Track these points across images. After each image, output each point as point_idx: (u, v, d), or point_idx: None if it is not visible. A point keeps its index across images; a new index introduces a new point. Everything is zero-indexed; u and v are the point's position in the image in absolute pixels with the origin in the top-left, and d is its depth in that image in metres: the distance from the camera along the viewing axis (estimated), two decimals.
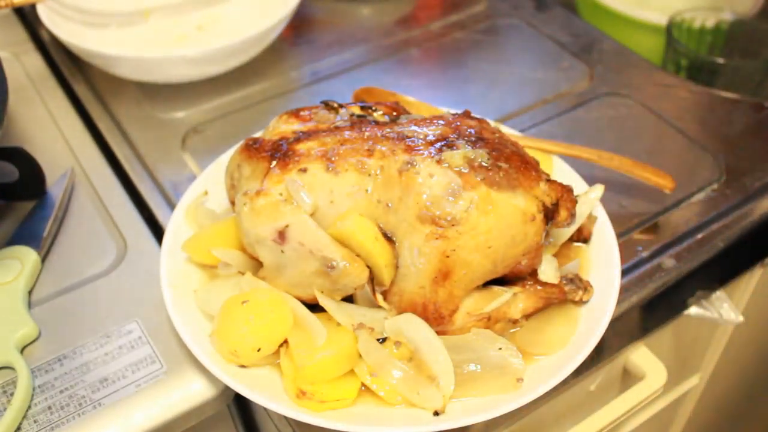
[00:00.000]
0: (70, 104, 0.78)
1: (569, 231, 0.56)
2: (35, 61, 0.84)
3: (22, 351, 0.53)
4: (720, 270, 0.68)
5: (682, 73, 0.86)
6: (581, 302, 0.53)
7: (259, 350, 0.48)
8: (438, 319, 0.50)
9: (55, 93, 0.79)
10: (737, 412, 1.13)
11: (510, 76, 0.84)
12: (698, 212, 0.66)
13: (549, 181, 0.51)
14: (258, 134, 0.59)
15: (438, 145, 0.50)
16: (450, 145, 0.50)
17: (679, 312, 0.66)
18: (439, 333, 0.50)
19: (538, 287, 0.53)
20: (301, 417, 0.46)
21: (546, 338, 0.52)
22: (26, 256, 0.58)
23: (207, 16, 0.90)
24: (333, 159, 0.50)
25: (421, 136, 0.51)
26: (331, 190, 0.50)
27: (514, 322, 0.52)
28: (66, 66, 0.83)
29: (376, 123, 0.54)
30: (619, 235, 0.63)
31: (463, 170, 0.48)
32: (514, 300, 0.52)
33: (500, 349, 0.49)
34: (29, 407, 0.50)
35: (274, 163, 0.51)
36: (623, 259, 0.61)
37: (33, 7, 0.83)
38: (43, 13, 0.79)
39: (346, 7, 0.96)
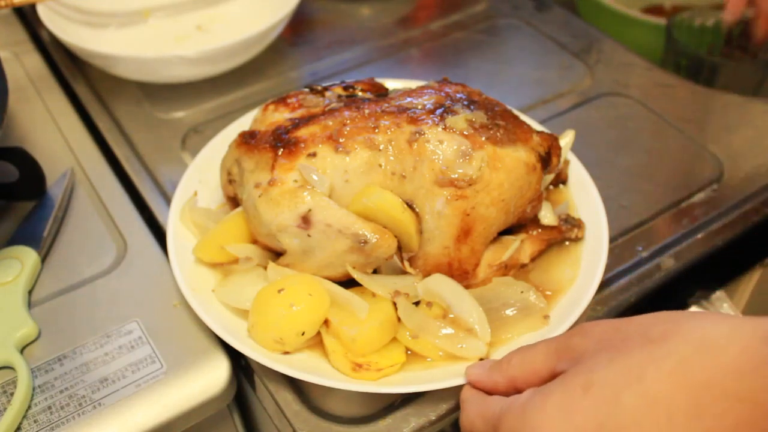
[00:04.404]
0: (70, 104, 0.78)
1: (551, 176, 0.59)
2: (35, 61, 0.84)
3: (22, 351, 0.53)
4: (720, 270, 0.68)
5: (682, 73, 0.86)
6: (578, 239, 0.58)
7: (303, 334, 0.49)
8: (463, 275, 0.53)
9: (55, 93, 0.79)
10: None
11: (510, 76, 0.84)
12: (698, 212, 0.66)
13: (538, 132, 0.56)
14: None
15: (438, 112, 0.53)
16: (449, 111, 0.53)
17: None
18: (465, 287, 0.52)
19: (540, 231, 0.57)
20: (362, 388, 0.48)
21: (556, 278, 0.56)
22: (26, 256, 0.58)
23: (207, 16, 0.90)
24: (340, 140, 0.52)
25: (420, 107, 0.54)
26: (345, 170, 0.51)
27: (523, 266, 0.57)
28: (66, 66, 0.83)
29: (369, 101, 0.56)
30: (619, 235, 0.63)
31: (468, 132, 0.51)
32: (522, 246, 0.56)
33: (522, 292, 0.53)
34: (29, 407, 0.50)
35: (280, 152, 0.52)
36: (623, 260, 0.61)
37: (33, 7, 0.83)
38: (43, 13, 0.79)
39: (346, 7, 0.96)
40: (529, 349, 0.42)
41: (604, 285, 0.59)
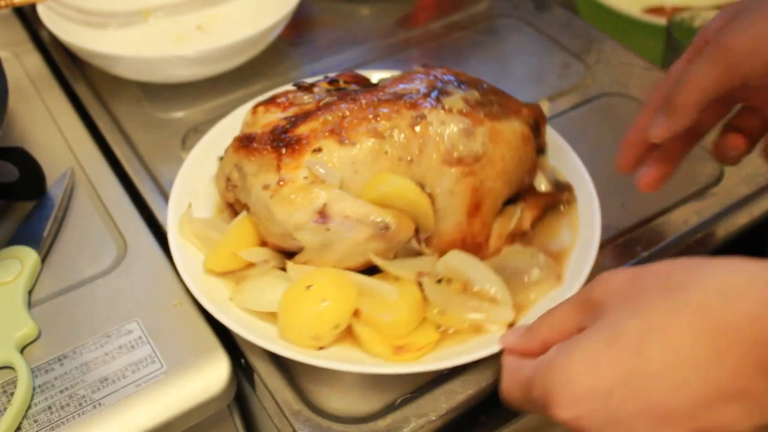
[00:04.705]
0: (70, 104, 0.78)
1: None
2: (35, 61, 0.84)
3: (22, 351, 0.53)
4: None
5: None
6: (569, 202, 0.61)
7: (337, 326, 0.50)
8: (476, 248, 0.55)
9: (55, 93, 0.79)
10: None
11: (510, 76, 0.83)
12: (698, 212, 0.66)
13: (525, 104, 0.58)
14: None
15: (434, 95, 0.55)
16: (443, 93, 0.55)
17: None
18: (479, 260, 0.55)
19: (536, 198, 0.60)
20: (405, 369, 0.49)
21: (558, 240, 0.59)
22: (26, 256, 0.58)
23: (207, 16, 0.90)
24: (343, 133, 0.52)
25: (414, 92, 0.55)
26: (353, 161, 0.52)
27: (525, 233, 0.59)
28: (66, 66, 0.83)
29: (362, 92, 0.56)
30: (619, 235, 0.63)
31: (466, 110, 0.54)
32: (523, 214, 0.58)
33: (532, 257, 0.56)
34: (29, 407, 0.50)
35: (283, 151, 0.52)
36: (623, 260, 0.61)
37: (33, 7, 0.82)
38: (43, 13, 0.79)
39: (346, 7, 0.96)
40: (556, 309, 0.44)
41: None
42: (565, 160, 0.64)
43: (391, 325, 0.50)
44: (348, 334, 0.52)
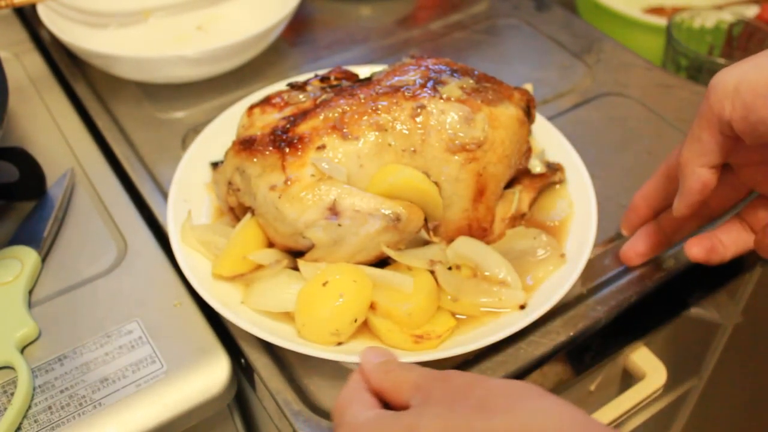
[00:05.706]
0: (70, 104, 0.78)
1: None
2: (35, 61, 0.84)
3: (22, 351, 0.53)
4: (720, 270, 0.67)
5: (682, 73, 0.86)
6: (561, 181, 0.63)
7: (356, 321, 0.50)
8: (482, 233, 0.56)
9: (55, 93, 0.79)
10: (737, 412, 1.13)
11: (510, 76, 0.83)
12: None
13: (515, 88, 0.59)
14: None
15: (430, 84, 0.55)
16: (439, 82, 0.55)
17: (679, 312, 0.66)
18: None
19: (532, 180, 0.61)
20: (426, 357, 0.49)
21: (556, 213, 0.61)
22: (26, 256, 0.58)
23: (207, 16, 0.90)
24: (345, 128, 0.53)
25: (411, 83, 0.56)
26: (358, 155, 0.52)
27: (523, 215, 0.60)
28: (66, 66, 0.83)
29: (358, 87, 0.57)
30: (619, 235, 0.63)
31: (464, 98, 0.54)
32: (521, 196, 0.60)
33: (535, 238, 0.57)
34: (29, 407, 0.50)
35: (287, 150, 0.52)
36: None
37: (33, 7, 0.83)
38: (43, 13, 0.79)
39: (346, 7, 0.96)
40: (407, 371, 0.41)
41: (604, 285, 0.59)
42: (549, 140, 0.65)
43: (409, 314, 0.50)
44: (364, 327, 0.52)
